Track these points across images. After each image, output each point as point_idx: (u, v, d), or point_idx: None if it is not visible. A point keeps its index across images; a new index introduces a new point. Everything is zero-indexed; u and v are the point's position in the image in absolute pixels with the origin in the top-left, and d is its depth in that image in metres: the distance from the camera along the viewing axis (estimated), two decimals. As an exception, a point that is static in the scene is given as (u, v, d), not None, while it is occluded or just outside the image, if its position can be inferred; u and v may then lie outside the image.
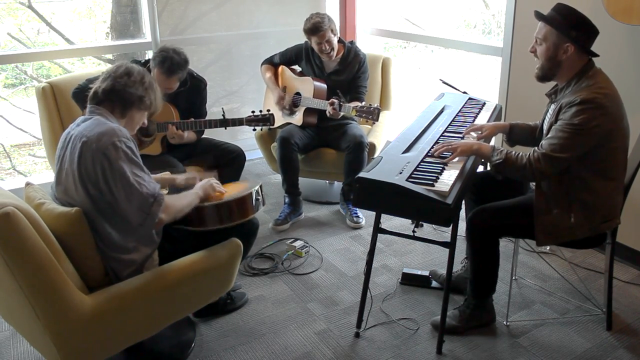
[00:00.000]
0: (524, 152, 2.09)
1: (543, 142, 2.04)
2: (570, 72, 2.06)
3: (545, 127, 2.18)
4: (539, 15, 2.06)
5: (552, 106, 2.16)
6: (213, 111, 3.21)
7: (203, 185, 2.10)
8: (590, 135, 1.95)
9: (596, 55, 2.04)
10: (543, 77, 2.12)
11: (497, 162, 2.07)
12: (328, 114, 3.12)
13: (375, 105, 2.93)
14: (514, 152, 2.07)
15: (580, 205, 2.08)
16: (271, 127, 3.06)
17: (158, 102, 2.03)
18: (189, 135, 2.95)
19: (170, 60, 2.69)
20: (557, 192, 2.09)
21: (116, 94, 1.89)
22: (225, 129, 2.98)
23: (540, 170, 2.00)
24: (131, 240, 1.87)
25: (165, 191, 2.29)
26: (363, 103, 3.04)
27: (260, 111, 3.01)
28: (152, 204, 1.80)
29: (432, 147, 2.26)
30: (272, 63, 3.55)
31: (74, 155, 1.79)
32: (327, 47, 3.27)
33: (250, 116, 3.00)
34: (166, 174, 2.34)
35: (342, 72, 3.37)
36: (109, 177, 1.75)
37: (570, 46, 2.00)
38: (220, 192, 2.14)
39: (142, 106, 1.95)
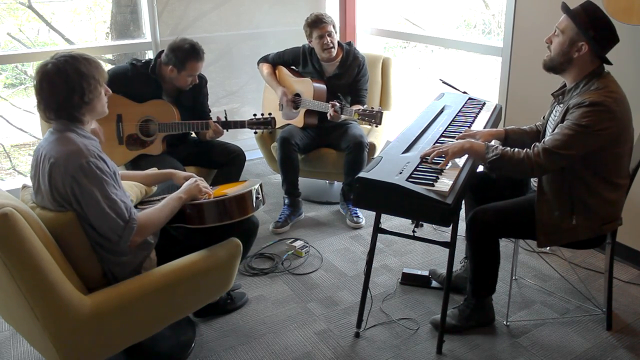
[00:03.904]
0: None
1: (545, 138, 2.02)
2: (579, 73, 2.03)
3: (550, 128, 2.15)
4: (565, 8, 2.02)
5: (558, 107, 2.14)
6: (213, 111, 3.23)
7: (188, 187, 2.04)
8: (595, 137, 1.93)
9: (609, 63, 2.01)
10: (550, 68, 2.08)
11: (493, 158, 2.03)
12: (329, 117, 3.11)
13: (378, 108, 2.92)
14: (509, 148, 2.04)
15: (582, 207, 2.07)
16: (272, 130, 3.06)
17: (101, 74, 1.82)
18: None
19: (195, 46, 2.83)
20: (559, 193, 2.09)
21: (58, 112, 1.77)
22: (227, 130, 2.98)
23: (540, 164, 1.97)
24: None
25: (154, 189, 2.27)
26: (365, 106, 3.03)
27: (262, 114, 3.02)
28: (124, 229, 1.77)
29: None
30: (269, 62, 3.54)
31: (45, 177, 1.75)
32: (329, 42, 3.26)
33: (252, 119, 3.00)
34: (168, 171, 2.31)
35: (342, 76, 3.36)
36: (80, 199, 1.72)
37: (584, 45, 1.97)
38: (207, 193, 2.08)
39: (88, 99, 1.79)
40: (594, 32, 1.96)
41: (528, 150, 2.00)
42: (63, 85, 1.74)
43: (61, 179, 1.71)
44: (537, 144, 2.01)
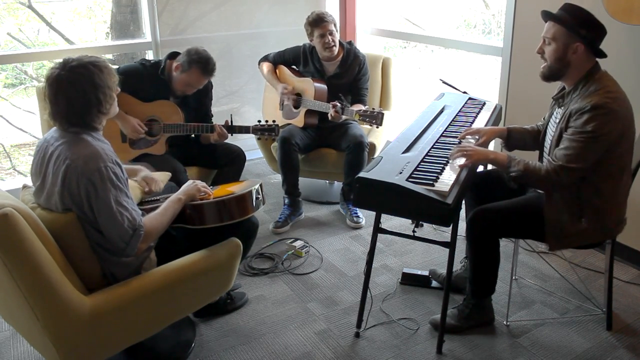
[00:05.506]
0: (532, 159, 2.09)
1: (557, 152, 2.02)
2: (578, 74, 2.04)
3: (551, 130, 2.16)
4: (548, 15, 2.04)
5: (559, 110, 2.14)
6: (214, 112, 3.23)
7: (187, 188, 2.04)
8: (603, 141, 1.95)
9: (604, 56, 2.02)
10: (549, 77, 2.09)
11: (516, 174, 2.06)
12: (330, 117, 3.11)
13: (379, 109, 2.92)
14: (531, 163, 2.06)
15: (592, 209, 2.08)
16: (276, 136, 3.06)
17: (113, 80, 1.83)
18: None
19: (211, 63, 2.83)
20: (567, 197, 2.09)
21: (76, 123, 1.77)
22: (232, 135, 2.99)
23: (560, 182, 2.01)
24: None
25: (155, 179, 2.25)
26: (366, 107, 3.04)
27: (267, 121, 3.02)
28: (132, 236, 1.77)
29: (432, 147, 2.26)
30: (269, 61, 3.54)
31: (57, 178, 1.73)
32: (330, 40, 3.26)
33: (256, 125, 3.01)
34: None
35: (343, 76, 3.36)
36: (93, 203, 1.72)
37: (579, 45, 1.98)
38: (207, 193, 2.08)
39: (106, 110, 1.82)
40: (585, 30, 1.97)
41: (548, 166, 2.02)
42: (80, 99, 1.74)
43: (76, 181, 1.70)
44: (552, 160, 2.02)
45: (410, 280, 2.71)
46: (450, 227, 2.08)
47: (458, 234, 2.17)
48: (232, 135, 2.98)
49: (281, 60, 3.51)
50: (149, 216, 1.90)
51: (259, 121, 3.03)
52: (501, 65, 3.32)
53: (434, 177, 1.96)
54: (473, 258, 2.26)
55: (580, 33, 1.97)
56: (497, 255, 2.25)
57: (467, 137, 2.37)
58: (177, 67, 2.83)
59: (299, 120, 3.36)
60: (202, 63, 2.79)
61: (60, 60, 1.78)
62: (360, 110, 2.96)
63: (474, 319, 2.34)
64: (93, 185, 1.70)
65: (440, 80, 3.11)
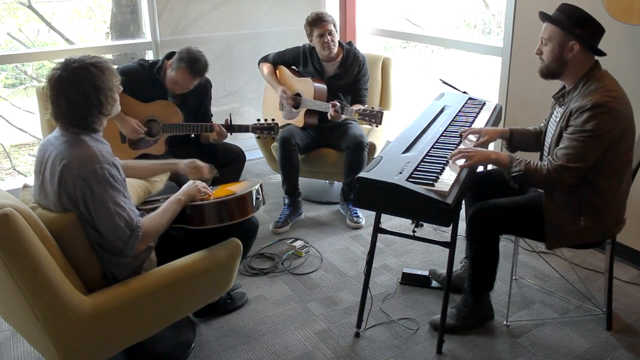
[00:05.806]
0: (533, 159, 2.09)
1: (557, 152, 2.02)
2: (577, 73, 2.05)
3: (552, 130, 2.16)
4: (544, 16, 2.05)
5: (560, 109, 2.15)
6: (214, 111, 3.24)
7: (187, 189, 2.04)
8: (603, 140, 1.95)
9: (603, 54, 2.02)
10: (547, 75, 2.10)
11: (517, 174, 2.06)
12: (329, 117, 3.11)
13: (378, 108, 2.92)
14: (532, 162, 2.06)
15: (591, 209, 2.08)
16: (275, 135, 3.06)
17: (115, 81, 1.83)
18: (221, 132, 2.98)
19: (201, 63, 2.80)
20: (567, 196, 2.09)
21: (77, 125, 1.77)
22: (231, 134, 2.99)
23: (560, 182, 2.01)
24: None
25: (157, 185, 2.26)
26: (366, 106, 3.04)
27: (266, 120, 3.02)
28: (129, 237, 1.77)
29: (432, 147, 2.26)
30: (269, 61, 3.54)
31: (54, 178, 1.73)
32: (329, 40, 3.25)
33: (255, 124, 3.01)
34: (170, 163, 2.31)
35: (343, 76, 3.36)
36: (90, 204, 1.72)
37: (575, 44, 1.99)
38: (207, 193, 2.08)
39: (107, 112, 1.82)
40: (580, 29, 1.98)
41: (549, 166, 2.02)
42: (81, 101, 1.74)
43: (72, 182, 1.70)
44: (552, 160, 2.02)
45: (410, 280, 2.71)
46: (450, 227, 2.08)
47: (458, 234, 2.17)
48: (231, 134, 2.98)
49: (281, 60, 3.51)
50: (148, 217, 1.90)
51: (258, 120, 3.03)
52: (501, 65, 3.32)
53: (434, 177, 1.96)
54: (472, 253, 2.26)
55: (575, 32, 1.98)
56: (496, 251, 2.25)
57: (469, 136, 2.38)
58: (170, 64, 2.84)
59: (298, 120, 3.36)
60: (190, 62, 2.77)
61: (62, 60, 1.78)
62: (360, 109, 2.97)
63: (473, 317, 2.34)
64: (89, 187, 1.70)
65: (440, 80, 3.11)
